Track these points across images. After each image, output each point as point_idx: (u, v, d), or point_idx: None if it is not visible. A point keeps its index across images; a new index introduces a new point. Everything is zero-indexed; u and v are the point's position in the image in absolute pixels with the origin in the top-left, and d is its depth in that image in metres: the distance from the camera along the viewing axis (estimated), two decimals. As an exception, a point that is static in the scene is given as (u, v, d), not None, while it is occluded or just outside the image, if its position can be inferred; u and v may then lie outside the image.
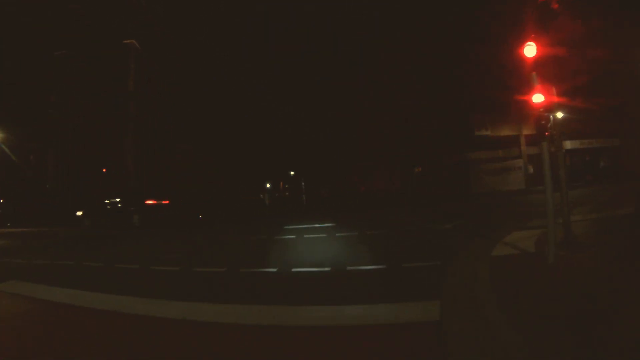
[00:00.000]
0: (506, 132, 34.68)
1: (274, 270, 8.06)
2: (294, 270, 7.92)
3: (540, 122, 7.18)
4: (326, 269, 7.79)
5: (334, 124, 46.04)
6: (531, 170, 35.78)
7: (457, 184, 33.72)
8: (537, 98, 7.21)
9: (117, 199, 23.71)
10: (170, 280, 8.14)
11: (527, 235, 9.84)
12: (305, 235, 13.37)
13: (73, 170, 38.92)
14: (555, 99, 7.41)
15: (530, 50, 8.32)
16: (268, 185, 59.35)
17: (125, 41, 40.40)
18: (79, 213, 24.14)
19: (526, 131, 34.41)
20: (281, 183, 64.21)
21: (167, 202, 23.53)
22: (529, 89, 7.37)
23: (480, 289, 5.98)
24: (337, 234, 13.15)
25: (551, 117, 7.98)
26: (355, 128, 43.58)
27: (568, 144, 33.83)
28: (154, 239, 16.14)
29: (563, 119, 30.93)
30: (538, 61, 8.11)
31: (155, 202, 22.71)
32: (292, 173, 59.67)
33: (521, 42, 8.28)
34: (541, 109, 7.20)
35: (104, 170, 38.89)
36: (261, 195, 57.39)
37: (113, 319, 5.81)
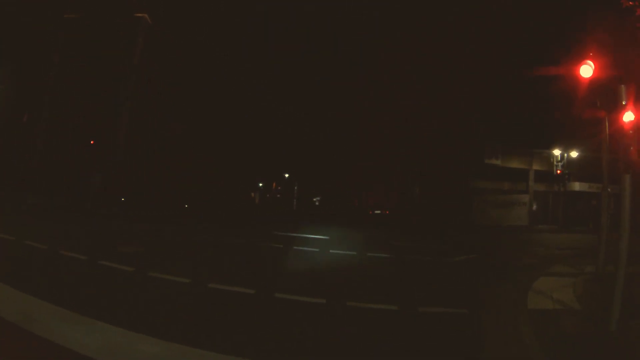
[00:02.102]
0: (516, 164, 33.17)
1: (252, 292, 6.18)
2: (277, 295, 6.05)
3: (629, 148, 5.43)
4: (320, 300, 5.93)
5: (334, 129, 44.24)
6: (535, 207, 34.34)
7: (458, 210, 32.03)
8: (628, 117, 5.48)
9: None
10: (116, 284, 6.30)
11: (559, 284, 8.36)
12: (295, 247, 11.54)
13: (63, 137, 37.07)
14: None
15: (586, 70, 7.00)
16: (260, 185, 57.46)
17: (138, 14, 38.93)
18: None
19: (536, 166, 32.94)
20: (274, 184, 62.22)
21: None
22: (613, 107, 5.73)
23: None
24: (331, 250, 11.33)
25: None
26: (357, 136, 41.84)
27: (577, 186, 32.48)
28: (117, 222, 14.34)
29: (577, 158, 29.62)
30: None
31: None
32: (286, 175, 57.82)
33: (577, 62, 7.01)
34: (631, 131, 5.46)
35: (92, 142, 36.97)
36: (252, 194, 55.47)
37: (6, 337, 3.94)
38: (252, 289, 6.30)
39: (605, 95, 7.72)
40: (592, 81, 7.13)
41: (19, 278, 6.02)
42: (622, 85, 5.91)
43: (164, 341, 4.13)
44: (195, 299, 5.88)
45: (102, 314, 4.74)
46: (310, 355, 4.13)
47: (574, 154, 29.72)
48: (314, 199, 65.48)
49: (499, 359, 4.42)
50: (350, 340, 4.61)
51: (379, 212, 39.55)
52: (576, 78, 7.11)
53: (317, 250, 11.39)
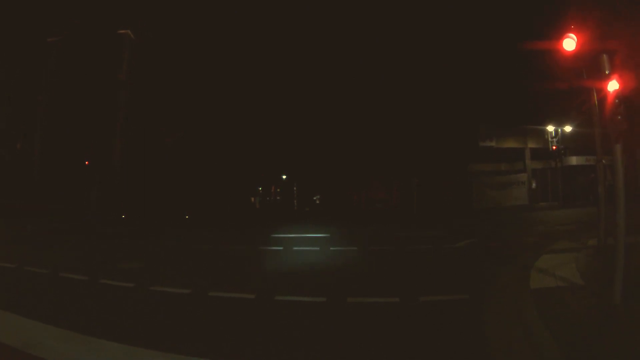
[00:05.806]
0: (511, 144, 33.12)
1: (252, 297, 6.16)
2: (277, 298, 6.04)
3: (616, 117, 5.40)
4: (320, 298, 5.92)
5: (328, 125, 44.02)
6: (534, 185, 34.31)
7: (457, 196, 32.01)
8: (612, 86, 5.45)
9: None
10: (117, 301, 6.27)
11: (562, 261, 8.28)
12: (295, 248, 11.52)
13: (57, 160, 36.97)
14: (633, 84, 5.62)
15: (569, 43, 6.99)
16: (259, 189, 57.43)
17: (120, 31, 38.78)
18: None
19: (531, 144, 32.90)
20: (273, 187, 62.19)
21: None
22: (598, 77, 5.71)
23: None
24: (331, 248, 11.32)
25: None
26: (351, 131, 41.74)
27: (573, 160, 32.44)
28: (116, 240, 14.30)
29: (572, 132, 29.60)
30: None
31: None
32: (284, 177, 57.71)
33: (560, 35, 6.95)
34: (616, 100, 5.42)
35: (86, 163, 36.87)
36: (252, 199, 55.47)
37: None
38: (252, 293, 6.27)
39: (590, 67, 7.71)
40: (576, 54, 7.11)
41: (20, 304, 6.00)
42: (605, 55, 5.88)
43: (165, 353, 4.13)
44: (196, 308, 5.85)
45: (104, 331, 4.72)
46: (304, 354, 4.13)
47: (567, 128, 29.71)
48: (314, 198, 65.47)
49: (502, 342, 4.38)
50: (347, 336, 4.59)
51: (380, 205, 39.58)
52: (560, 52, 7.10)
53: (318, 248, 11.37)
